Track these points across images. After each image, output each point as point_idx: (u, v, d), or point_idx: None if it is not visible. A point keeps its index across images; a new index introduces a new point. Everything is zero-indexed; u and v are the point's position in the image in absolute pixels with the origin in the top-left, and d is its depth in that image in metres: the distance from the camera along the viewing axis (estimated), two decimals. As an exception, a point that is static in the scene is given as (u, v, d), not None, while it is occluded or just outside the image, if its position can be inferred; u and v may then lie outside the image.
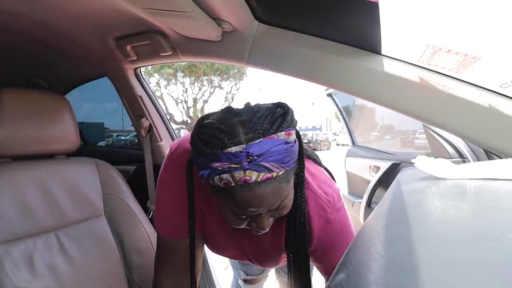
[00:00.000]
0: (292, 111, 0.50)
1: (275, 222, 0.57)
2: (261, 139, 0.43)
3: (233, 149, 0.43)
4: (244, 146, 0.43)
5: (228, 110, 0.49)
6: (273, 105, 0.50)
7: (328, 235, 0.62)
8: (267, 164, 0.43)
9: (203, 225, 0.71)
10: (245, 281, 1.21)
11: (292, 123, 0.48)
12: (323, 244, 0.63)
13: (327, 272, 0.66)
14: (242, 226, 0.54)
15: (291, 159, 0.47)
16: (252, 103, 0.52)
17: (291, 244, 0.60)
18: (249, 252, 0.72)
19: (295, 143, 0.48)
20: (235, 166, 0.43)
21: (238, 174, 0.43)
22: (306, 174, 0.60)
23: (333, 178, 0.71)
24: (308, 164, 0.64)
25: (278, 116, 0.47)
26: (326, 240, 0.63)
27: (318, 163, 0.69)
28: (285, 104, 0.51)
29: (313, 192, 0.61)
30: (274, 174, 0.44)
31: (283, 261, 0.74)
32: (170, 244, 0.69)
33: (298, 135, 0.52)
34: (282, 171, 0.45)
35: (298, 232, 0.58)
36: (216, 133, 0.45)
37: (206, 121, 0.48)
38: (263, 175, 0.44)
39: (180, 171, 0.60)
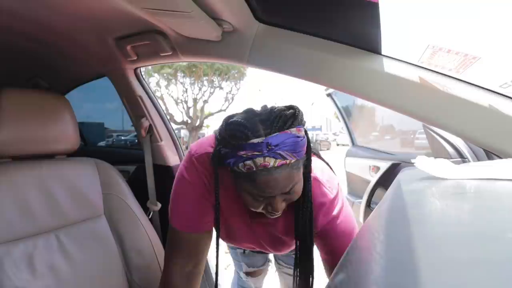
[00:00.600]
0: (302, 113, 0.60)
1: (286, 210, 0.66)
2: (277, 133, 0.54)
3: (255, 140, 0.53)
4: (264, 138, 0.53)
5: (250, 111, 0.60)
6: (285, 107, 0.60)
7: (332, 219, 0.70)
8: (282, 153, 0.54)
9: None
10: (247, 273, 1.21)
11: (302, 122, 0.59)
12: (327, 228, 0.71)
13: (327, 260, 0.75)
14: (259, 210, 0.62)
15: (301, 150, 0.57)
16: (269, 105, 0.63)
17: (299, 229, 0.68)
18: (264, 240, 0.79)
19: (304, 137, 0.58)
20: (257, 153, 0.53)
21: (259, 161, 0.53)
22: (312, 166, 0.69)
23: (332, 170, 0.79)
24: (313, 158, 0.73)
25: (290, 116, 0.57)
26: (331, 224, 0.71)
27: (320, 157, 0.79)
28: (296, 106, 0.61)
29: (317, 179, 0.70)
30: (288, 161, 0.55)
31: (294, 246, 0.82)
32: (187, 238, 0.74)
33: (306, 132, 0.61)
34: (294, 159, 0.56)
35: (306, 218, 0.67)
36: (241, 128, 0.55)
37: (231, 120, 0.58)
38: (279, 162, 0.54)
39: (200, 172, 0.69)
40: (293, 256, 0.86)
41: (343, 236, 0.71)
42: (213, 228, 0.78)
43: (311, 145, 0.71)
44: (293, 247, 0.84)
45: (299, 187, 0.62)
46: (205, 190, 0.70)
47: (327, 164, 0.79)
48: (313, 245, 0.70)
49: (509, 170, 0.43)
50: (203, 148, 0.70)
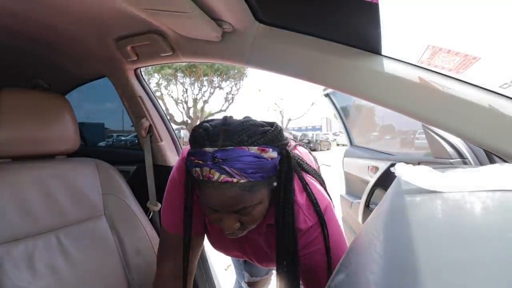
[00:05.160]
0: (278, 133, 0.56)
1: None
2: (233, 147, 0.51)
3: (207, 149, 0.51)
4: (216, 149, 0.51)
5: (225, 119, 0.57)
6: (265, 123, 0.57)
7: (304, 248, 0.64)
8: (228, 169, 0.50)
9: (205, 226, 0.77)
10: (249, 284, 1.20)
11: (273, 143, 0.54)
12: (300, 256, 0.64)
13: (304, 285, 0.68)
14: (218, 224, 0.59)
15: (259, 173, 0.52)
16: (253, 117, 0.60)
17: (280, 258, 0.62)
18: (249, 250, 0.77)
19: (268, 160, 0.53)
20: (202, 163, 0.52)
21: (205, 170, 0.52)
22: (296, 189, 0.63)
23: (326, 191, 0.72)
24: (306, 179, 0.66)
25: (260, 132, 0.53)
26: (303, 252, 0.64)
27: (315, 176, 0.71)
28: (276, 124, 0.58)
29: (297, 204, 0.63)
30: (235, 180, 0.51)
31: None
32: (177, 239, 0.73)
33: (287, 156, 0.57)
34: (244, 180, 0.51)
35: (288, 250, 0.61)
36: (203, 134, 0.54)
37: (204, 123, 0.56)
38: (223, 177, 0.51)
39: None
40: None
41: (316, 267, 0.64)
42: (201, 234, 0.79)
43: (310, 146, 0.67)
44: None
45: (257, 212, 0.57)
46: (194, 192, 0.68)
47: (321, 184, 0.72)
48: (297, 273, 0.63)
49: (501, 178, 0.41)
50: None
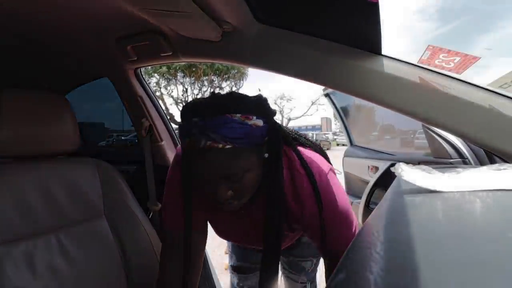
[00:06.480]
0: (262, 102, 0.59)
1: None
2: (217, 116, 0.53)
3: (194, 119, 0.54)
4: (201, 119, 0.53)
5: (212, 93, 0.60)
6: (251, 96, 0.60)
7: (317, 210, 0.66)
8: (212, 135, 0.52)
9: (206, 219, 0.79)
10: (234, 269, 1.16)
11: (258, 112, 0.56)
12: (315, 220, 0.66)
13: (325, 249, 0.70)
14: (213, 200, 0.61)
15: (244, 139, 0.54)
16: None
17: (268, 232, 0.64)
18: (252, 234, 0.77)
19: (254, 127, 0.55)
20: (188, 132, 0.54)
21: (192, 140, 0.54)
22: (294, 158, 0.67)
23: (327, 158, 0.76)
24: (299, 150, 0.69)
25: (245, 103, 0.56)
26: (312, 216, 0.66)
27: (311, 147, 0.75)
28: (260, 95, 0.61)
29: (298, 171, 0.66)
30: (220, 145, 0.52)
31: (287, 241, 0.82)
32: (178, 237, 0.74)
33: (275, 127, 0.60)
34: (229, 145, 0.53)
35: (277, 222, 0.63)
36: (192, 107, 0.56)
37: (193, 100, 0.59)
38: (209, 143, 0.52)
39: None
40: (299, 262, 0.84)
41: (315, 231, 0.67)
42: (203, 228, 0.80)
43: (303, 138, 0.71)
44: (287, 243, 0.84)
45: (248, 180, 0.58)
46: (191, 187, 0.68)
47: (323, 155, 0.76)
48: (280, 243, 0.66)
49: (502, 178, 0.41)
50: None
